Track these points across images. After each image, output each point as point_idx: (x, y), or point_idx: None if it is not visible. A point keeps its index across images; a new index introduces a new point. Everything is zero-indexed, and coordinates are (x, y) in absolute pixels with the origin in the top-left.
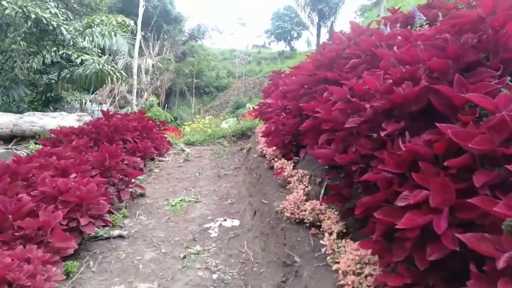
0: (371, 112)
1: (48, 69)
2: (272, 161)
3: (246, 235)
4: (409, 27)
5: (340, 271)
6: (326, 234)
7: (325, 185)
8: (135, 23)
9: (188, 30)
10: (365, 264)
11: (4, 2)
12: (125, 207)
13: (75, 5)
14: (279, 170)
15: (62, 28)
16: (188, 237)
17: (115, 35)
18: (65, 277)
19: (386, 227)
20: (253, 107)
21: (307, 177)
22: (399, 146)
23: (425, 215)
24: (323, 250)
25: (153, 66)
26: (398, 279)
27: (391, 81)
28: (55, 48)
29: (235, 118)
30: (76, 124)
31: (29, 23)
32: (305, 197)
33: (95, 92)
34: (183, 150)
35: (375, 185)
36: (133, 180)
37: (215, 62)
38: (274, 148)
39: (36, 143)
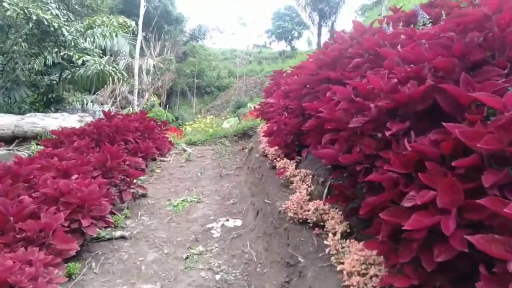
0: (375, 111)
1: (49, 70)
2: (274, 160)
3: (248, 235)
4: (411, 26)
5: (344, 272)
6: (330, 234)
7: (328, 185)
8: (136, 24)
9: (189, 31)
10: (370, 265)
11: (5, 4)
12: (127, 208)
13: (76, 6)
14: (281, 170)
15: (63, 29)
16: (190, 237)
17: (116, 36)
18: (67, 279)
19: (392, 228)
20: (254, 107)
21: (310, 176)
22: (404, 146)
23: (433, 216)
24: (327, 250)
25: (154, 66)
26: (404, 280)
27: (395, 80)
28: (56, 49)
29: (237, 118)
30: (77, 125)
31: (30, 25)
32: (308, 197)
33: (97, 93)
34: (185, 150)
35: (380, 185)
36: (134, 181)
37: (216, 62)
38: (276, 147)
39: (37, 144)
